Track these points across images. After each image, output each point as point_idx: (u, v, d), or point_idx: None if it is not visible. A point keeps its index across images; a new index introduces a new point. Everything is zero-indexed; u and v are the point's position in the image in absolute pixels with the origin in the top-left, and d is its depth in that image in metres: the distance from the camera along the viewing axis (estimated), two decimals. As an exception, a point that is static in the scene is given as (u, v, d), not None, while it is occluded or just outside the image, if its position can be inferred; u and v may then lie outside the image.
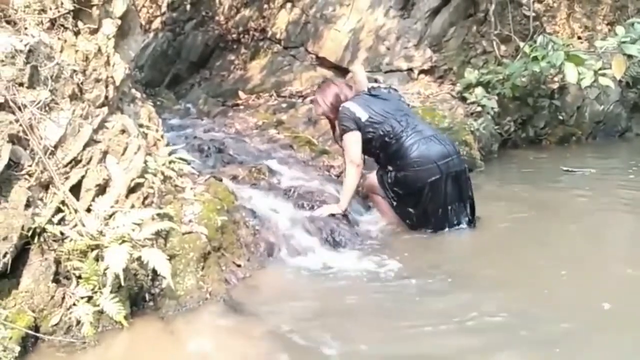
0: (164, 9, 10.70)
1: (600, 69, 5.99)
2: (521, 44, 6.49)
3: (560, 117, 6.79)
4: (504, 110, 6.55)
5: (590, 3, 7.34)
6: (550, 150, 6.47)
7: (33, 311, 2.53)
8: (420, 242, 3.88)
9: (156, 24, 10.73)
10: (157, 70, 9.88)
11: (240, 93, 7.61)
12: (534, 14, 6.82)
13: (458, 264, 3.46)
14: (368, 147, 4.07)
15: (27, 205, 2.66)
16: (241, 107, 7.12)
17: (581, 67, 5.84)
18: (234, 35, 8.98)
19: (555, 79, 6.72)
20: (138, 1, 10.62)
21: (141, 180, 3.12)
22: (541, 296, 2.92)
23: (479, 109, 6.19)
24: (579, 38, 7.17)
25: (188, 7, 10.28)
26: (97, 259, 2.68)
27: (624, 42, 5.64)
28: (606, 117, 6.96)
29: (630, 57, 5.88)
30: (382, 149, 4.04)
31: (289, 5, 8.67)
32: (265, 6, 9.03)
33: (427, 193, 3.89)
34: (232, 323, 2.75)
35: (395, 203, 4.07)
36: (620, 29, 5.75)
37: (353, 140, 4.00)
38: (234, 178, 4.50)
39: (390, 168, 4.03)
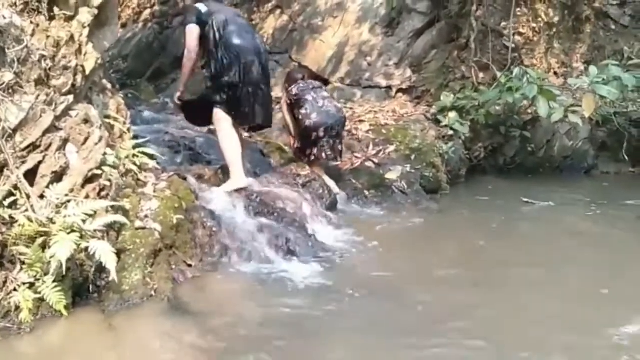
0: (154, 0, 10.70)
1: (571, 106, 6.13)
2: (499, 73, 6.60)
3: (530, 149, 6.89)
4: (475, 136, 6.62)
5: (570, 40, 7.49)
6: (517, 179, 6.55)
7: (-28, 292, 2.54)
8: (372, 256, 3.91)
9: (145, 15, 10.71)
10: (141, 61, 9.82)
11: (220, 93, 7.59)
12: (513, 45, 6.95)
13: (405, 277, 3.52)
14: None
15: (-22, 186, 2.66)
16: (218, 107, 7.11)
17: (553, 102, 5.97)
18: (221, 35, 8.97)
19: (529, 110, 6.83)
20: (130, -9, 10.65)
21: (99, 171, 3.12)
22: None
23: (451, 132, 6.27)
24: (555, 73, 7.29)
25: (178, 1, 10.30)
26: (43, 246, 2.68)
27: (596, 82, 5.77)
28: (574, 153, 7.07)
29: (602, 97, 6.03)
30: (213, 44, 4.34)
31: (278, 11, 8.73)
32: (255, 9, 9.08)
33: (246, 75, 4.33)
34: (172, 322, 2.77)
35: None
36: (593, 69, 5.88)
37: (189, 32, 4.38)
38: (200, 177, 4.51)
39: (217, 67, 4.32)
